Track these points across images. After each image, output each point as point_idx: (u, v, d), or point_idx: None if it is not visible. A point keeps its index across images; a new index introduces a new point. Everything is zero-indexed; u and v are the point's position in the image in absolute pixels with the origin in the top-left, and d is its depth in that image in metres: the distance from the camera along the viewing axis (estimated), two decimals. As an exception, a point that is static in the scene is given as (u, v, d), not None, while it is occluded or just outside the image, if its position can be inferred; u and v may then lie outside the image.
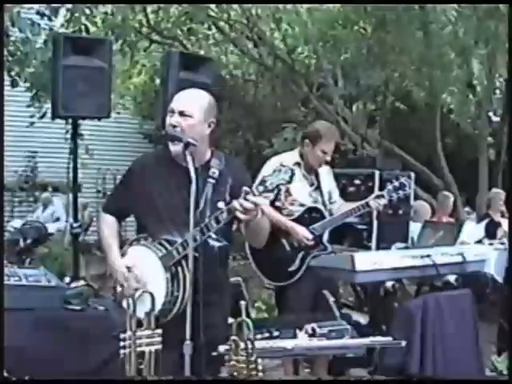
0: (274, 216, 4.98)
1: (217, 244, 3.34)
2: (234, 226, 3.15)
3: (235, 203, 3.05)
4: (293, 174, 3.06)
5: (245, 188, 3.04)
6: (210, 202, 3.27)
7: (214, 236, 3.28)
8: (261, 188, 3.06)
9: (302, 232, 5.01)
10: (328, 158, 5.12)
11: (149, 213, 3.38)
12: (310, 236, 5.01)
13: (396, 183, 5.06)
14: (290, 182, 3.11)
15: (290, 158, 5.13)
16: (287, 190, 5.04)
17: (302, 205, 5.10)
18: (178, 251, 3.23)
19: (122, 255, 3.44)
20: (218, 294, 3.36)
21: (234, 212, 3.07)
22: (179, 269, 3.24)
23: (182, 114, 3.29)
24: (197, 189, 3.02)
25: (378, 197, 5.06)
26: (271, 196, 4.94)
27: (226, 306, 3.52)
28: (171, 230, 3.31)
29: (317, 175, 5.22)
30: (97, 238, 3.85)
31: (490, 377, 4.85)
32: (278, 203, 5.07)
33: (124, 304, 3.35)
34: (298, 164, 5.13)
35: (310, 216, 5.09)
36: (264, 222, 3.32)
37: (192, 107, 3.31)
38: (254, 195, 3.05)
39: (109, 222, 3.57)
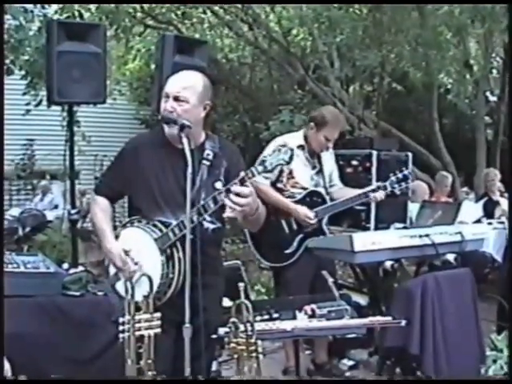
0: (275, 197, 5.01)
1: (211, 226, 3.34)
2: (229, 213, 3.11)
3: (226, 201, 3.02)
4: (292, 155, 3.02)
5: (241, 173, 3.01)
6: (205, 183, 3.26)
7: (208, 218, 3.27)
8: (260, 168, 3.01)
9: (305, 212, 5.02)
10: (330, 145, 5.15)
11: (143, 194, 3.36)
12: (313, 215, 5.02)
13: (399, 175, 5.08)
14: (289, 162, 3.04)
15: (295, 140, 5.14)
16: (290, 173, 5.07)
17: (303, 188, 5.12)
18: (174, 233, 3.22)
19: (116, 237, 3.43)
20: (212, 276, 3.35)
21: (226, 202, 3.04)
22: (174, 250, 3.23)
23: (176, 99, 3.28)
24: (193, 171, 3.00)
25: (379, 187, 5.07)
26: (272, 177, 4.96)
27: (220, 288, 3.52)
28: (165, 211, 3.30)
29: (319, 158, 5.24)
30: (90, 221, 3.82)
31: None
32: (279, 185, 5.10)
33: (118, 287, 3.35)
34: (301, 147, 5.16)
35: (311, 199, 5.11)
36: (261, 209, 3.29)
37: (187, 92, 3.29)
38: (250, 178, 3.01)
39: (102, 206, 3.54)
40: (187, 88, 3.30)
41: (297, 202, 5.08)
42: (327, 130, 5.09)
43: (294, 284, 5.00)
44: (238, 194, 2.99)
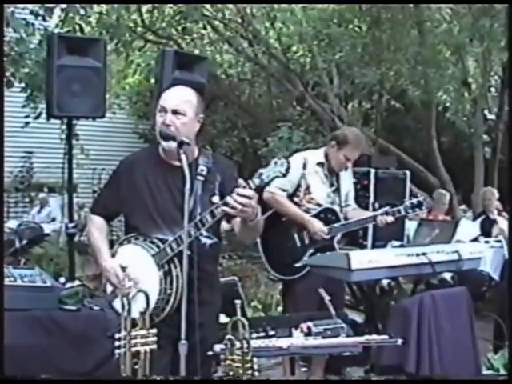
0: (291, 208, 5.07)
1: (209, 241, 3.34)
2: (226, 225, 3.12)
3: (229, 199, 3.01)
4: (289, 167, 3.04)
5: (240, 181, 3.02)
6: (200, 198, 3.25)
7: (205, 233, 3.27)
8: (257, 181, 3.01)
9: (319, 226, 5.04)
10: (349, 165, 5.17)
11: (139, 212, 3.36)
12: (326, 231, 5.04)
13: (414, 201, 5.09)
14: (285, 174, 3.06)
15: (315, 156, 5.20)
16: (307, 188, 5.11)
17: (319, 204, 5.13)
18: (171, 248, 3.21)
19: (113, 255, 3.41)
20: (209, 293, 3.34)
21: (229, 208, 3.04)
22: (172, 266, 3.22)
23: (175, 112, 3.28)
24: (191, 187, 3.00)
25: (394, 212, 5.07)
26: (290, 189, 5.05)
27: (217, 304, 3.51)
28: (163, 228, 3.30)
29: (338, 177, 5.26)
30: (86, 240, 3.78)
31: (490, 376, 4.84)
32: (295, 199, 5.12)
33: (115, 305, 3.34)
34: (321, 164, 5.19)
35: (325, 216, 5.12)
36: (260, 218, 3.28)
37: (185, 105, 3.30)
38: (250, 189, 3.01)
39: (98, 224, 3.53)
40: (185, 102, 3.31)
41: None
42: (348, 149, 5.11)
43: (302, 298, 4.98)
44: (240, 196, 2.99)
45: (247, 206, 3.01)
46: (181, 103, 3.29)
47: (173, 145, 3.22)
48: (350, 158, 5.13)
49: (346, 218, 5.24)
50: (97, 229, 3.51)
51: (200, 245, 3.24)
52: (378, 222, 5.11)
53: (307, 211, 5.11)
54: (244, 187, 3.00)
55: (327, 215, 5.13)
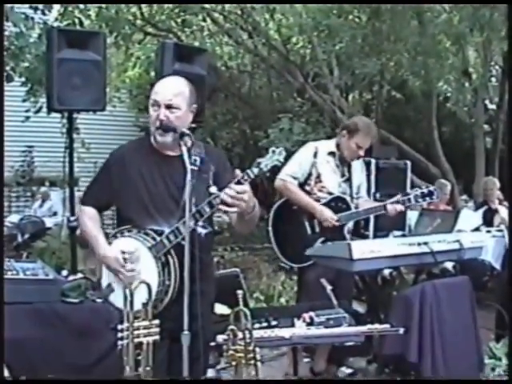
0: (301, 196, 5.14)
1: (204, 231, 3.32)
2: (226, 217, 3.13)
3: (223, 195, 3.02)
4: (287, 155, 3.08)
5: (237, 172, 3.02)
6: (195, 189, 3.24)
7: (200, 223, 3.25)
8: (256, 170, 3.03)
9: (329, 214, 5.08)
10: (361, 153, 5.21)
11: (133, 203, 3.33)
12: (336, 218, 5.06)
13: (425, 190, 5.10)
14: (283, 162, 3.14)
15: (327, 146, 5.28)
16: (318, 177, 5.16)
17: (330, 193, 5.17)
18: (169, 240, 3.20)
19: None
20: (205, 282, 3.31)
21: (223, 205, 3.05)
22: (169, 257, 3.22)
23: (169, 107, 3.27)
24: (191, 178, 2.99)
25: (404, 201, 5.08)
26: (301, 178, 5.14)
27: (212, 294, 3.52)
28: (157, 219, 3.28)
29: (349, 167, 5.31)
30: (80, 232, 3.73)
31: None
32: (307, 188, 5.19)
33: (112, 299, 3.34)
34: (332, 153, 5.26)
35: (336, 204, 5.16)
36: (256, 210, 3.28)
37: (178, 99, 3.29)
38: (246, 181, 3.02)
39: (91, 215, 3.49)
40: (178, 95, 3.30)
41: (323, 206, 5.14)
42: (359, 137, 5.15)
43: (313, 286, 5.00)
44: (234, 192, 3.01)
45: (240, 201, 3.02)
46: (174, 97, 3.27)
47: (169, 137, 3.24)
48: (361, 145, 5.17)
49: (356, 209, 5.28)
50: (90, 218, 3.48)
51: (196, 235, 3.22)
52: (388, 211, 5.11)
53: (318, 200, 5.16)
54: (238, 181, 3.01)
55: (338, 204, 5.17)
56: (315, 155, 5.19)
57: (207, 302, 3.41)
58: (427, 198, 5.11)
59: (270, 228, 5.22)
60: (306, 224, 5.17)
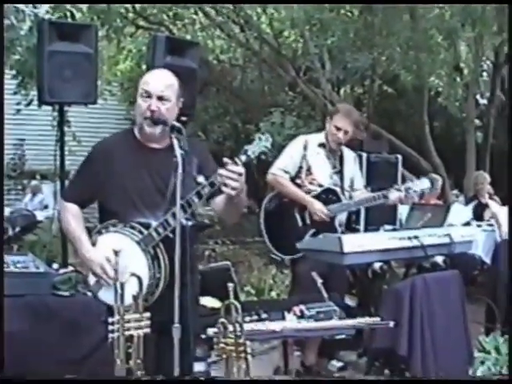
0: (292, 189, 5.18)
1: (189, 222, 3.31)
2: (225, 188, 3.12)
3: (222, 171, 3.02)
4: (273, 142, 3.13)
5: (225, 159, 3.02)
6: (180, 181, 3.24)
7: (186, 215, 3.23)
8: (243, 157, 3.05)
9: (319, 206, 5.09)
10: (340, 136, 5.19)
11: (118, 197, 3.29)
12: (326, 211, 5.06)
13: (423, 181, 5.09)
14: (270, 148, 3.14)
15: (316, 138, 5.33)
16: (308, 169, 5.18)
17: (320, 185, 5.17)
18: (157, 232, 3.19)
19: (93, 245, 3.32)
20: (191, 273, 3.24)
21: (222, 183, 3.04)
22: (158, 250, 3.21)
23: (160, 98, 3.27)
24: (183, 170, 2.99)
25: (404, 189, 5.06)
26: (292, 172, 5.17)
27: (197, 286, 3.52)
28: (144, 212, 3.26)
29: (341, 159, 5.31)
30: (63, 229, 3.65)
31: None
32: (298, 181, 5.21)
33: (101, 295, 3.32)
34: (322, 145, 5.28)
35: (326, 197, 5.18)
36: (244, 198, 3.28)
37: (169, 91, 3.29)
38: (238, 165, 3.03)
39: (73, 212, 3.43)
40: (169, 87, 3.31)
41: (313, 198, 5.16)
42: (337, 118, 5.20)
43: (305, 278, 5.01)
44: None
45: (238, 182, 3.02)
46: (165, 89, 3.28)
47: (158, 130, 3.24)
48: (339, 126, 5.16)
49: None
50: (73, 217, 3.42)
51: (182, 226, 3.19)
52: (392, 200, 5.08)
53: (309, 192, 5.16)
54: (233, 163, 3.02)
55: (328, 195, 5.18)
56: (305, 148, 5.20)
57: (194, 294, 3.40)
58: (427, 190, 5.09)
59: (261, 220, 5.24)
60: (297, 216, 5.19)
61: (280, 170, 5.16)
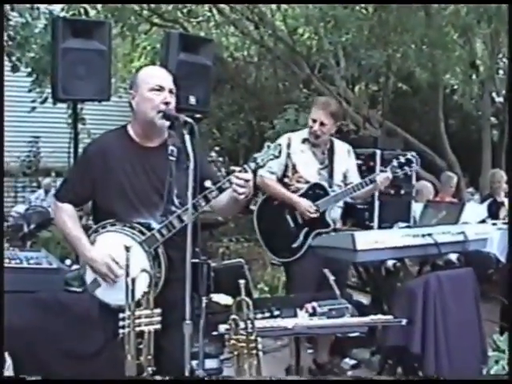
0: (279, 190, 5.12)
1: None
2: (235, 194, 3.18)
3: (232, 178, 3.10)
4: (281, 150, 3.27)
5: (232, 168, 3.13)
6: (176, 179, 3.24)
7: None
8: (252, 165, 3.14)
9: (305, 204, 5.03)
10: (316, 128, 5.10)
11: (115, 196, 3.29)
12: (313, 208, 5.02)
13: (402, 159, 5.03)
14: (278, 156, 3.27)
15: (299, 135, 5.25)
16: (294, 167, 5.10)
17: (308, 182, 5.12)
18: (161, 234, 3.20)
19: (92, 245, 3.31)
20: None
21: (233, 187, 3.10)
22: (158, 250, 3.22)
23: (171, 91, 3.31)
24: (195, 168, 2.98)
25: (390, 168, 5.04)
26: (278, 172, 5.11)
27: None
28: (142, 212, 3.26)
29: (331, 154, 5.22)
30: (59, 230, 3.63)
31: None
32: (286, 180, 5.16)
33: (98, 294, 3.32)
34: (306, 140, 5.20)
35: (314, 192, 5.11)
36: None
37: (173, 85, 3.35)
38: (247, 172, 3.12)
39: (69, 212, 3.40)
40: (173, 81, 3.36)
41: (301, 196, 5.10)
42: (313, 110, 5.17)
43: (300, 278, 5.01)
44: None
45: (247, 188, 3.10)
46: (171, 83, 3.33)
47: (167, 123, 3.27)
48: (315, 118, 5.10)
49: (352, 198, 5.24)
50: (70, 217, 3.39)
51: (182, 227, 3.18)
52: (380, 183, 5.03)
53: (297, 190, 5.11)
54: (242, 170, 3.11)
55: (315, 191, 5.11)
56: (289, 146, 5.13)
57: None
58: (406, 168, 5.01)
59: (255, 225, 5.22)
60: (288, 217, 5.13)
61: (266, 172, 5.07)
